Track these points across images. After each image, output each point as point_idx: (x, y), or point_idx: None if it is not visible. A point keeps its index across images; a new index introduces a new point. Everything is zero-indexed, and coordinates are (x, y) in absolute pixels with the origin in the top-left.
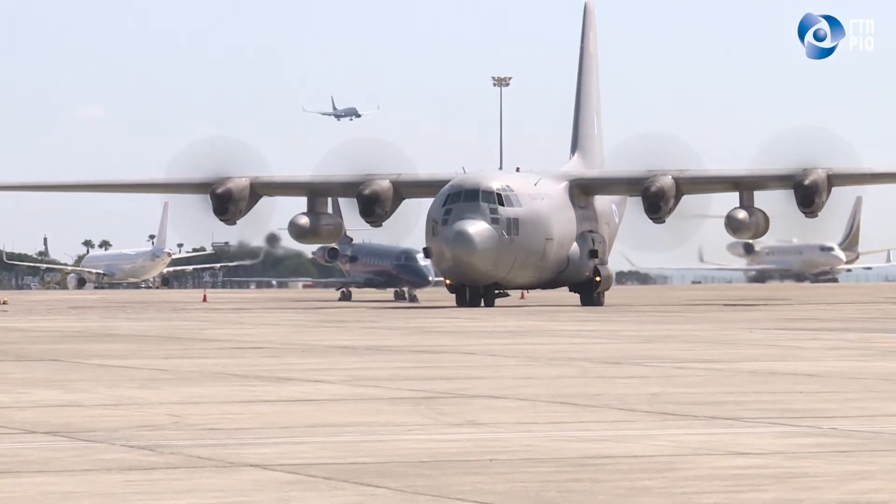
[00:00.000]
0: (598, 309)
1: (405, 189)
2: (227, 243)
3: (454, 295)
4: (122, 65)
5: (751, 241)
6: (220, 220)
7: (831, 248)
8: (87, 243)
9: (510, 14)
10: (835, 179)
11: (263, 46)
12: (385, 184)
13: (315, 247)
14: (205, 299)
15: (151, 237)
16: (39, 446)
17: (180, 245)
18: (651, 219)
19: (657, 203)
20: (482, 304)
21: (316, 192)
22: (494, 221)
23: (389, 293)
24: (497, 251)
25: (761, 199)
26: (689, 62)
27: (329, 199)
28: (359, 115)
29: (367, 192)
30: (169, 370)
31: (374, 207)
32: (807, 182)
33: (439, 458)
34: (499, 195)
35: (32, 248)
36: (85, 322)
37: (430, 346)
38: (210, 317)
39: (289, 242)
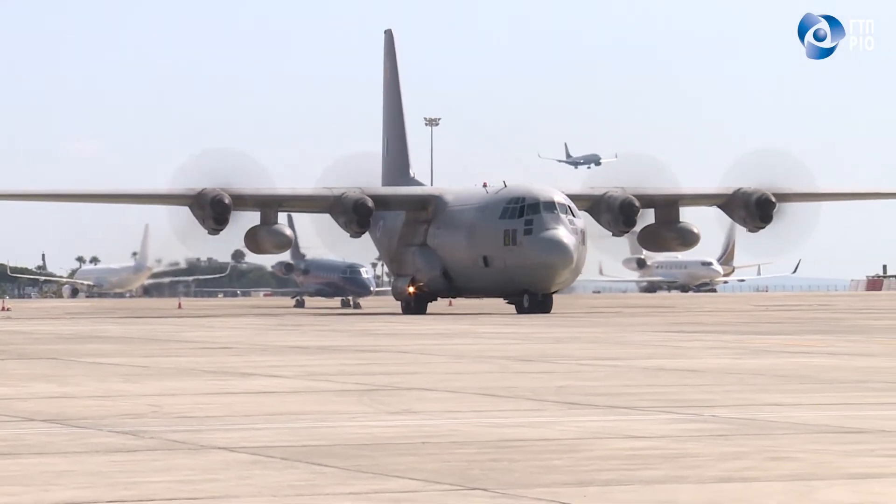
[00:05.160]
0: (518, 316)
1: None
2: (198, 259)
3: (408, 302)
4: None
5: (642, 256)
6: (208, 230)
7: (710, 263)
8: (80, 259)
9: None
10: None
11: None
12: (366, 198)
13: (274, 261)
14: (180, 307)
15: (134, 254)
16: (38, 432)
17: (159, 260)
18: (619, 232)
19: (633, 217)
20: (532, 310)
21: (282, 207)
22: (573, 232)
23: (337, 301)
24: (577, 260)
25: (699, 214)
26: (688, 62)
27: (285, 215)
28: (599, 163)
29: (367, 205)
30: (149, 367)
31: (369, 219)
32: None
33: (379, 442)
34: (569, 207)
35: (32, 263)
36: (77, 326)
37: (372, 346)
38: (184, 321)
39: (251, 257)
